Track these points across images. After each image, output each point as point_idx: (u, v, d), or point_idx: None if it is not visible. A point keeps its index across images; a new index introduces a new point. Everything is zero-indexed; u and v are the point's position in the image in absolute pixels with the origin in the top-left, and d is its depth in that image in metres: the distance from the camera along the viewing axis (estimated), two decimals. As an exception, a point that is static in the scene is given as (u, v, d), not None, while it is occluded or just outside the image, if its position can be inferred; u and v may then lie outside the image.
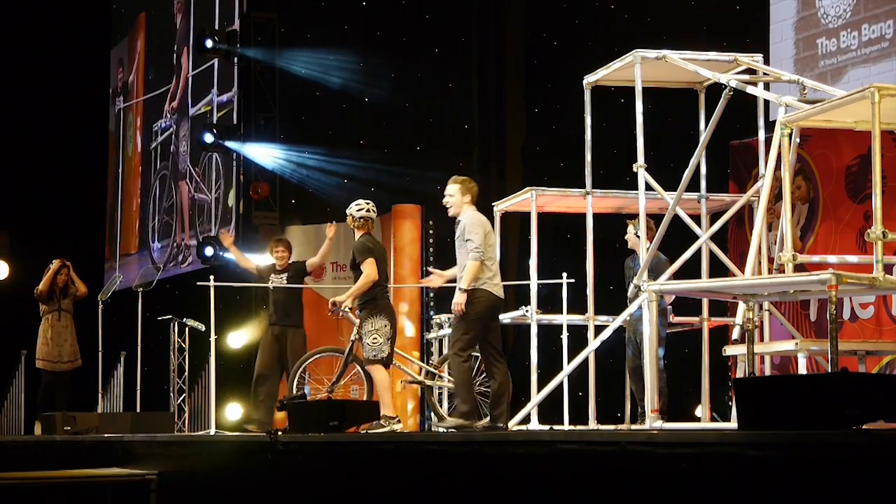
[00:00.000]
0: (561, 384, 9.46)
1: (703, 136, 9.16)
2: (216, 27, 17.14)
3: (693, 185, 9.45)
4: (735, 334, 8.45)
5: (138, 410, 13.74)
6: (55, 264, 13.26)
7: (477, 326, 8.96)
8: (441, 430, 9.41)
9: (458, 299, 8.89)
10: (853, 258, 8.66)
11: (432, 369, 10.02)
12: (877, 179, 7.07)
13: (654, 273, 9.62)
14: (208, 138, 16.61)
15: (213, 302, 11.43)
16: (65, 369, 13.19)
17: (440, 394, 10.31)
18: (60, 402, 13.04)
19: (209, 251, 16.40)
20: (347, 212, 10.04)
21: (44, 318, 13.24)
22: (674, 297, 10.39)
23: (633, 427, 9.66)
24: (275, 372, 11.27)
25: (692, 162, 8.99)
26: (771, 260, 9.16)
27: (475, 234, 8.98)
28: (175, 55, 18.91)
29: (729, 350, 8.63)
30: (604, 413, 10.30)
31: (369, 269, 9.73)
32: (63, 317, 13.21)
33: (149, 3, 20.11)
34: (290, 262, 11.55)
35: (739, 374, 8.85)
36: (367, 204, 10.06)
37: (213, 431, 11.55)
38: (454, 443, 7.25)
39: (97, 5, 21.33)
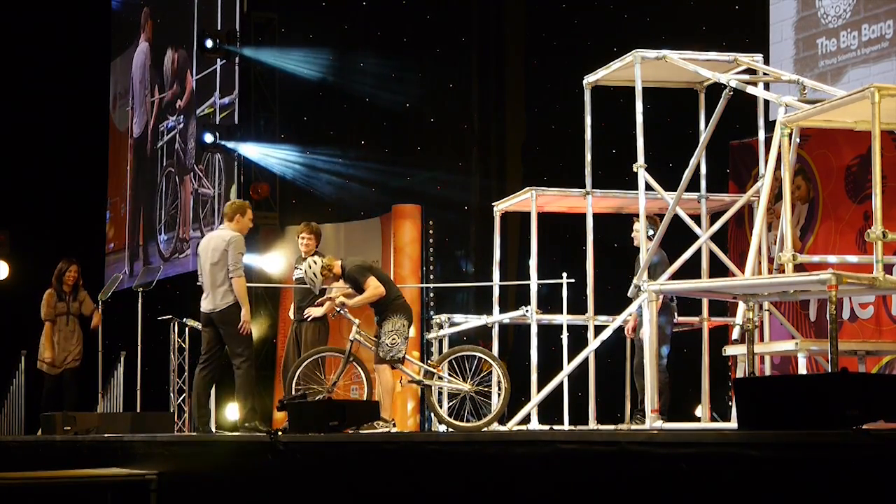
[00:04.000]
0: (561, 384, 9.47)
1: (703, 136, 9.16)
2: (218, 28, 17.17)
3: (693, 185, 9.45)
4: (735, 334, 8.45)
5: (138, 410, 13.72)
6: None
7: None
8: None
9: None
10: (853, 258, 8.66)
11: (431, 369, 10.02)
12: (877, 179, 7.07)
13: (653, 273, 9.62)
14: (208, 138, 16.66)
15: (213, 302, 11.39)
16: (67, 368, 13.12)
17: (439, 394, 10.31)
18: (69, 402, 12.99)
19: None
20: (314, 272, 10.01)
21: (48, 321, 13.14)
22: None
23: (633, 427, 9.66)
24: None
25: (692, 162, 8.99)
26: (771, 260, 9.16)
27: None
28: (180, 60, 19.06)
29: (729, 350, 8.63)
30: (604, 413, 10.30)
31: (375, 284, 9.84)
32: (71, 321, 13.13)
33: (156, 12, 20.21)
34: (316, 250, 11.05)
35: (739, 374, 8.85)
36: (320, 259, 10.13)
37: (213, 431, 11.54)
38: (454, 443, 7.25)
39: (98, 10, 21.36)
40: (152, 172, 19.95)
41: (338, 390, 10.29)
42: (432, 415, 10.77)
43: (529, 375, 10.27)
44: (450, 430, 9.92)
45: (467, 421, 10.06)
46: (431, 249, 15.25)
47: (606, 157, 11.92)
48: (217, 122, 17.23)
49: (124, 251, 20.75)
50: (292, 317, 11.11)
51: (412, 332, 14.57)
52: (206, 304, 10.18)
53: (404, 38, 16.94)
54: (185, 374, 14.15)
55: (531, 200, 10.40)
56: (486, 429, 9.68)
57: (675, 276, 8.97)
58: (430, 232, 15.26)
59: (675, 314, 10.38)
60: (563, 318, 10.54)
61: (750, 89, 8.84)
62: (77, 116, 20.61)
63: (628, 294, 10.11)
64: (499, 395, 10.03)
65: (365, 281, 9.90)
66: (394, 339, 9.79)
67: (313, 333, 10.81)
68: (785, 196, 7.64)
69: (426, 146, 16.92)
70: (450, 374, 10.05)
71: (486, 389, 10.08)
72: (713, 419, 10.32)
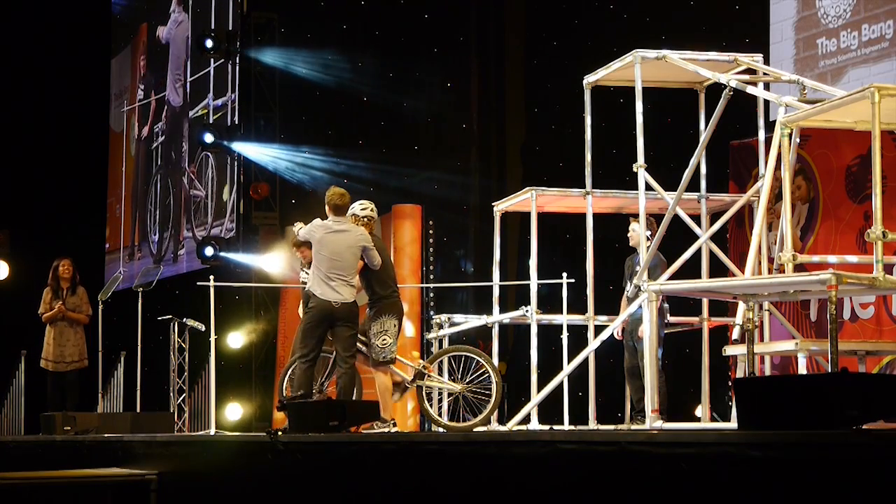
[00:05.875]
0: (561, 384, 9.46)
1: (703, 136, 9.16)
2: (216, 28, 17.17)
3: (693, 185, 9.45)
4: (735, 334, 8.45)
5: (138, 410, 13.72)
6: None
7: (304, 328, 9.60)
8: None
9: None
10: (853, 258, 8.65)
11: (422, 369, 9.98)
12: (877, 179, 7.07)
13: (651, 274, 9.61)
14: (208, 138, 16.67)
15: (213, 302, 11.41)
16: (67, 369, 13.12)
17: (429, 394, 10.29)
18: (70, 403, 12.99)
19: (209, 251, 16.41)
20: (350, 212, 10.00)
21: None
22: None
23: (633, 427, 9.66)
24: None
25: (692, 162, 8.99)
26: (771, 260, 9.16)
27: None
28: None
29: (729, 350, 8.63)
30: (604, 413, 10.30)
31: (369, 262, 9.72)
32: (65, 316, 13.14)
33: (150, 13, 20.22)
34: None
35: (739, 374, 8.85)
36: (370, 203, 10.05)
37: (213, 431, 11.54)
38: (454, 443, 7.25)
39: (98, 11, 21.37)
40: (149, 170, 20.02)
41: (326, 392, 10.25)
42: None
43: (529, 375, 10.26)
44: (440, 429, 9.91)
45: (464, 420, 10.04)
46: (431, 249, 15.24)
47: (606, 157, 11.92)
48: (211, 122, 17.26)
49: (120, 251, 20.79)
50: (301, 315, 11.12)
51: (411, 331, 14.64)
52: (333, 295, 9.47)
53: (403, 38, 16.94)
54: (185, 374, 14.15)
55: (531, 200, 10.39)
56: (482, 428, 9.66)
57: (674, 276, 8.96)
58: (430, 232, 15.25)
59: (668, 315, 10.38)
60: (563, 318, 10.53)
61: (750, 89, 8.84)
62: (77, 116, 20.61)
63: (628, 294, 10.12)
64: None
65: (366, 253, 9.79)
66: (384, 339, 9.68)
67: None
68: (785, 196, 7.64)
69: (425, 146, 16.93)
70: (450, 374, 10.03)
71: (480, 389, 10.06)
72: (713, 419, 10.31)
